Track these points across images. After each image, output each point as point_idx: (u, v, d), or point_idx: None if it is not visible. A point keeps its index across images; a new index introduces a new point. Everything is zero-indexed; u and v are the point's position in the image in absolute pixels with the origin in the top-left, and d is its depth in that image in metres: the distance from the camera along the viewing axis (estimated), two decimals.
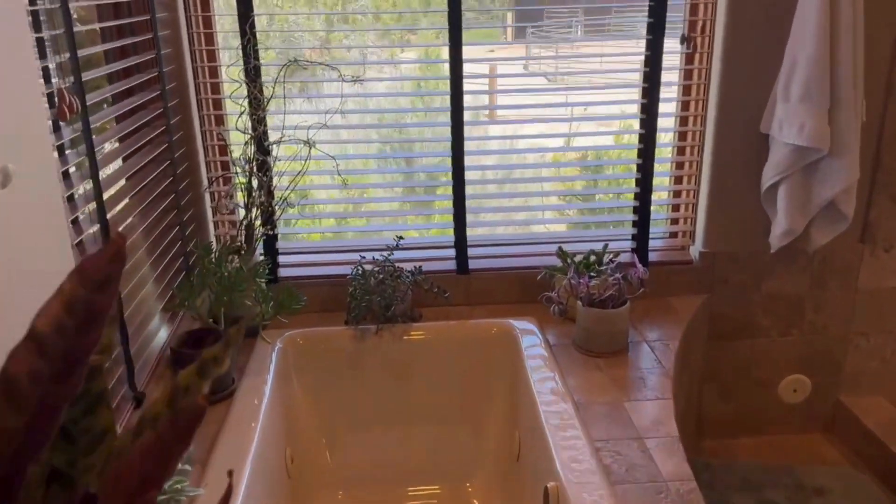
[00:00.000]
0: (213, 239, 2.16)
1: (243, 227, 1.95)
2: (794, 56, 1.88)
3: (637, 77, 2.13)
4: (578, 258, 2.04)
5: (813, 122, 1.88)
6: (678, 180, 2.26)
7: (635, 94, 2.12)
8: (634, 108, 2.16)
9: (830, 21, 1.81)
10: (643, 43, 2.02)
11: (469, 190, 2.15)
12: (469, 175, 2.14)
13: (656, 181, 2.17)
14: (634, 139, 2.15)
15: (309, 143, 1.98)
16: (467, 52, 1.99)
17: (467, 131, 2.08)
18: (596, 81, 2.72)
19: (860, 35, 1.85)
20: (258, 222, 2.00)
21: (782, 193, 2.01)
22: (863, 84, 1.90)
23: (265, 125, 1.95)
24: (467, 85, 2.03)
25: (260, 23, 1.96)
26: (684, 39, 2.05)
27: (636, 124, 2.14)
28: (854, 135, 1.92)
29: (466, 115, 2.05)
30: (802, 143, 1.89)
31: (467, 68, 2.01)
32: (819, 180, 1.98)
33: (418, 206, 2.97)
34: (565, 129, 2.69)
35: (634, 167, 2.18)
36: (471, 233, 2.20)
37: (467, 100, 2.04)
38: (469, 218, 2.17)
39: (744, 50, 1.99)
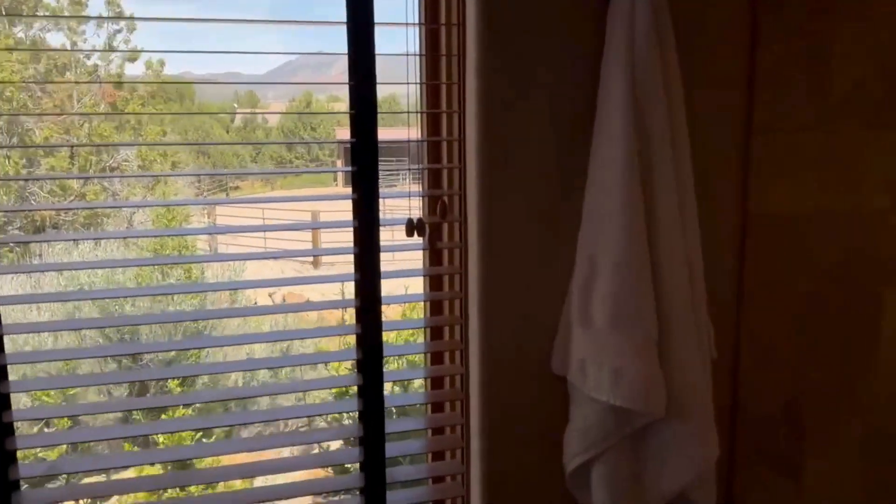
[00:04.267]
0: None
1: None
2: (593, 257, 1.11)
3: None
4: None
5: (634, 364, 1.08)
6: (438, 455, 1.36)
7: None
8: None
9: (645, 202, 1.07)
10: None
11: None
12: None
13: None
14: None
15: None
16: None
17: None
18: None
19: (692, 225, 1.13)
20: None
21: (599, 480, 1.16)
22: (706, 301, 1.16)
23: None
24: None
25: None
26: (413, 227, 1.19)
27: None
28: (704, 383, 1.15)
29: None
30: (620, 402, 1.08)
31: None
32: (654, 459, 1.17)
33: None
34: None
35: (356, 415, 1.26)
36: None
37: None
38: None
39: (516, 239, 1.19)
